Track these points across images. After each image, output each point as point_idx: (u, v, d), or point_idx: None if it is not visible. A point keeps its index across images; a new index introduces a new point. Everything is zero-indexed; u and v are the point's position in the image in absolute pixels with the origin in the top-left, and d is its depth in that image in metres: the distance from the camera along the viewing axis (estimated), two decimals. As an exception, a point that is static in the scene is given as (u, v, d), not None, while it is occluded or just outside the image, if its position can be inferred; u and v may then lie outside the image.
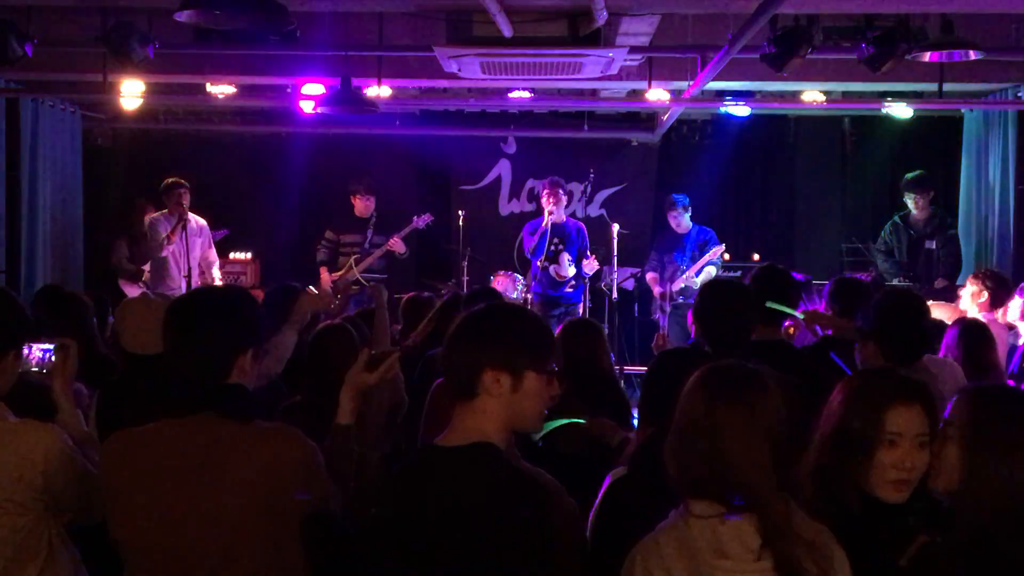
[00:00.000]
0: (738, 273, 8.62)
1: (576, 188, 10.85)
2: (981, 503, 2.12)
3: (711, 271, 8.63)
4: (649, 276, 9.12)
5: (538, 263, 8.49)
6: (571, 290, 8.63)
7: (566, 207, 8.93)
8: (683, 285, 8.66)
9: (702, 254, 8.74)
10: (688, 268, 8.73)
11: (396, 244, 9.06)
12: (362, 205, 9.21)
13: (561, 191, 8.56)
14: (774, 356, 3.82)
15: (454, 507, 2.17)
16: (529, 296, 8.51)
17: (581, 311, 8.53)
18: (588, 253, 8.58)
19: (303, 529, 2.45)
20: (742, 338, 3.70)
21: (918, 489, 2.27)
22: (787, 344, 4.36)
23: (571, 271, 8.46)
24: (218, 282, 8.90)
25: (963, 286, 6.33)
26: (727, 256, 8.80)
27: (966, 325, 4.61)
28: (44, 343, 3.01)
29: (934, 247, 7.99)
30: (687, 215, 8.94)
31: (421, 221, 9.18)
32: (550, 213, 8.40)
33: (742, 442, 2.00)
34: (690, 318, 4.70)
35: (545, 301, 8.49)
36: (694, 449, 2.04)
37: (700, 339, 3.94)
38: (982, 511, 2.12)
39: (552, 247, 8.40)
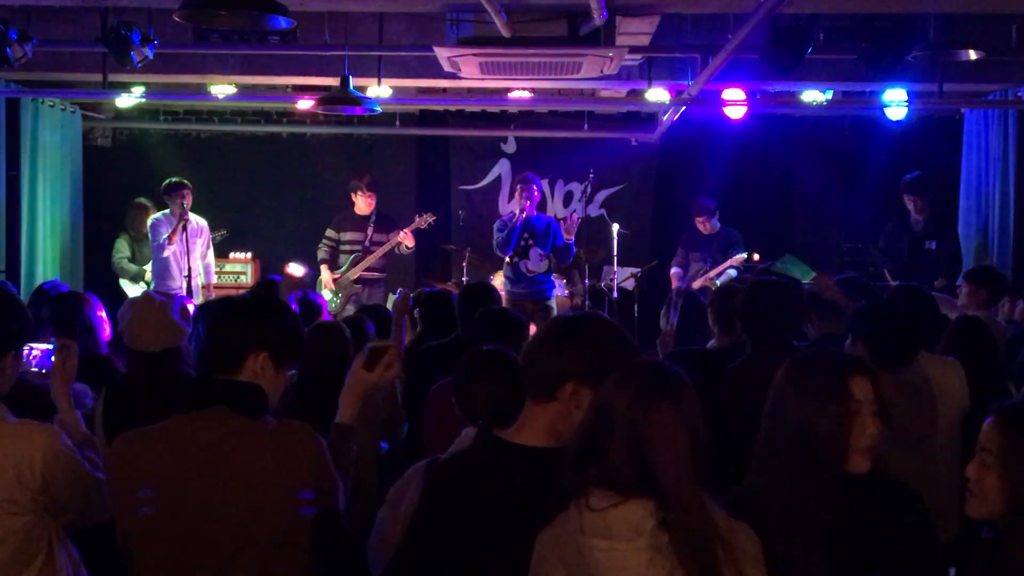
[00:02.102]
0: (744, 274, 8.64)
1: (576, 188, 10.86)
2: None
3: (732, 274, 8.65)
4: (673, 271, 9.17)
5: (507, 259, 8.49)
6: (539, 286, 8.62)
7: (538, 203, 8.90)
8: (703, 287, 8.70)
9: (726, 257, 8.77)
10: (710, 269, 8.78)
11: (407, 237, 9.06)
12: (363, 202, 9.21)
13: (534, 187, 8.60)
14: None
15: (532, 505, 2.14)
16: (503, 295, 8.46)
17: (554, 307, 8.52)
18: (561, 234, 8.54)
19: (314, 529, 2.45)
20: (787, 338, 3.67)
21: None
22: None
23: (542, 267, 8.47)
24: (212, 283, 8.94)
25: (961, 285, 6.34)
26: (756, 256, 8.80)
27: (961, 324, 4.59)
28: (44, 343, 3.01)
29: (934, 247, 7.99)
30: (715, 218, 9.08)
31: (424, 220, 9.20)
32: (523, 210, 8.42)
33: (669, 437, 2.01)
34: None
35: (514, 299, 8.35)
36: (616, 441, 2.03)
37: (742, 337, 3.88)
38: None
39: (523, 242, 8.42)
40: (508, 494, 2.20)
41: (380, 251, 9.08)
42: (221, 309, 2.57)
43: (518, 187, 8.52)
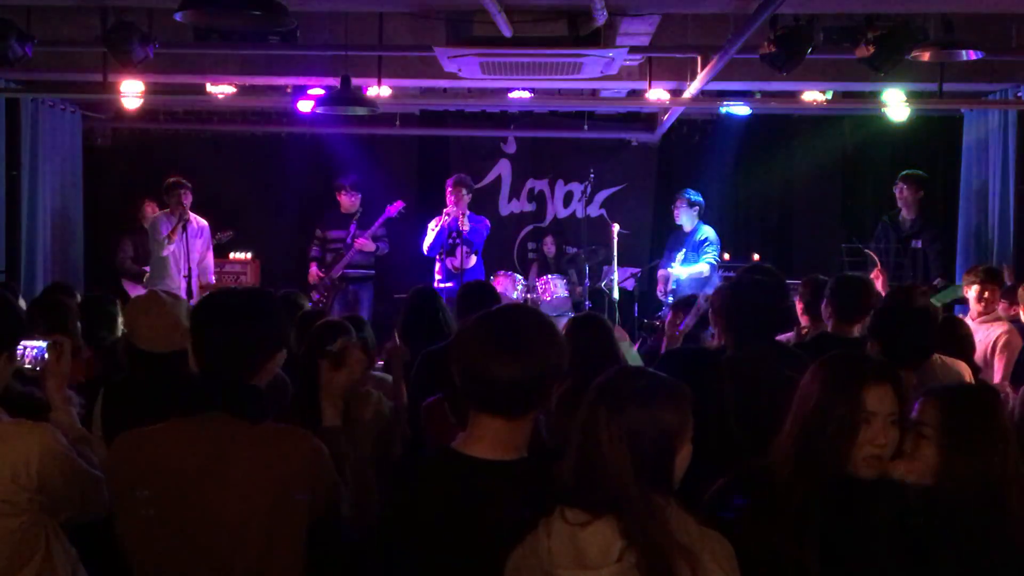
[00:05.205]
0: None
1: (576, 188, 10.86)
2: (959, 496, 2.33)
3: (704, 269, 8.61)
4: (660, 274, 9.14)
5: (436, 257, 8.75)
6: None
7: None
8: (672, 286, 8.69)
9: (699, 254, 8.74)
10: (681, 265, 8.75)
11: (364, 244, 9.19)
12: (347, 201, 9.39)
13: (464, 190, 8.73)
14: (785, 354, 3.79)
15: (501, 519, 2.09)
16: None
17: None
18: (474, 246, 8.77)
19: (310, 536, 2.44)
20: (768, 335, 3.67)
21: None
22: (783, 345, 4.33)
23: (469, 263, 8.63)
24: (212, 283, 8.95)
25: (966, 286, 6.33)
26: (727, 256, 8.78)
27: (945, 324, 4.60)
28: (37, 340, 2.99)
29: (920, 246, 8.00)
30: (686, 212, 8.92)
31: (394, 209, 9.24)
32: (447, 213, 8.59)
33: (605, 450, 2.02)
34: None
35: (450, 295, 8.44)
36: (569, 457, 2.05)
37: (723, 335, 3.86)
38: (960, 502, 2.33)
39: (450, 240, 8.54)
40: (470, 509, 2.12)
41: (349, 253, 9.23)
42: (240, 317, 2.51)
43: (449, 188, 8.69)
